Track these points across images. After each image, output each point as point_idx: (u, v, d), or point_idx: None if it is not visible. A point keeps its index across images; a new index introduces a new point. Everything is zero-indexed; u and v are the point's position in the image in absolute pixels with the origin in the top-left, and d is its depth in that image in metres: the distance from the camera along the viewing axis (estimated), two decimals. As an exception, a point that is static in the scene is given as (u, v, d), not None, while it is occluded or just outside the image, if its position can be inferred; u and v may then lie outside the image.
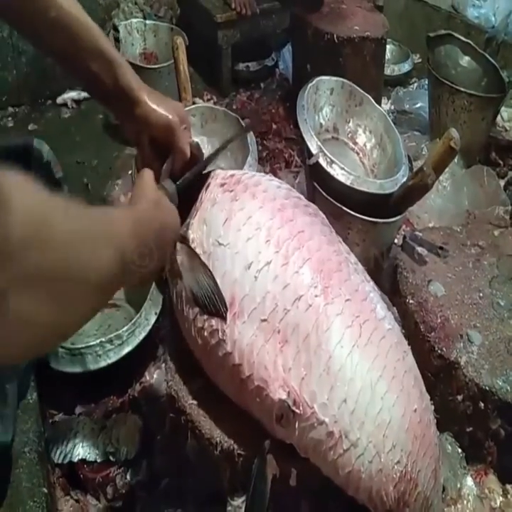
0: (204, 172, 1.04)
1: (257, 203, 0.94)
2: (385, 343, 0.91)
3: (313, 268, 0.90)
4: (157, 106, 0.97)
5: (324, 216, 1.06)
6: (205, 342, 0.91)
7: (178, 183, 0.95)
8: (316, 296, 0.88)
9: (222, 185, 0.98)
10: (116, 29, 2.64)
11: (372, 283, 1.01)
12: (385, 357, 0.89)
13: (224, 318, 0.87)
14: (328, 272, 0.91)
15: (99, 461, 1.36)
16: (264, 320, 0.87)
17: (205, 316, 0.90)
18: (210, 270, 0.90)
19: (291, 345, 0.86)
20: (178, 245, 0.94)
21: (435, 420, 0.96)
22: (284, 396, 0.84)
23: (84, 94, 2.68)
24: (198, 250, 0.92)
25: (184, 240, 0.94)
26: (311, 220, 0.99)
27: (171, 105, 0.99)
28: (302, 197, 1.05)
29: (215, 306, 0.88)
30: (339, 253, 0.98)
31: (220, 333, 0.88)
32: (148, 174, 0.90)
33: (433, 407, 0.96)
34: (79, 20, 0.96)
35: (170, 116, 0.97)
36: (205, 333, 0.90)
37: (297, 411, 0.84)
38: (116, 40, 2.51)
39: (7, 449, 1.02)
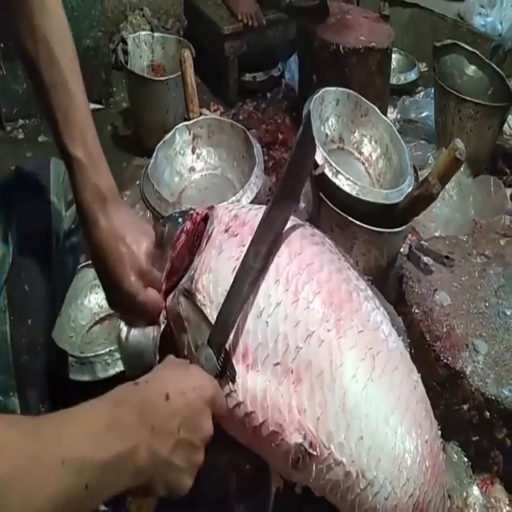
0: (202, 213, 0.99)
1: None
2: (398, 374, 0.89)
3: (324, 301, 0.88)
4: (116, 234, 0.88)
5: (331, 242, 1.03)
6: None
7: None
8: (328, 330, 0.86)
9: (227, 230, 0.93)
10: (124, 42, 2.67)
11: (382, 309, 0.98)
12: (398, 388, 0.88)
13: (233, 381, 0.83)
14: (339, 304, 0.89)
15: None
16: (277, 363, 0.84)
17: None
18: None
19: (305, 384, 0.83)
20: (182, 299, 0.88)
21: (442, 445, 0.95)
22: (300, 439, 0.82)
23: (92, 106, 2.72)
24: (205, 301, 0.87)
25: (188, 293, 0.88)
26: (319, 249, 0.96)
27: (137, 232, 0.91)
28: (308, 225, 1.02)
29: (220, 370, 0.82)
30: (349, 281, 0.95)
31: (230, 386, 0.84)
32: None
33: (440, 433, 0.95)
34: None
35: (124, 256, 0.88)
36: None
37: (314, 453, 0.82)
38: (125, 52, 2.54)
39: None
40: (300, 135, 0.88)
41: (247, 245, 0.86)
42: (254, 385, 0.83)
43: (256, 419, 0.83)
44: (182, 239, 0.95)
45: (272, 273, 0.88)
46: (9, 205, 1.03)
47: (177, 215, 1.00)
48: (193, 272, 0.90)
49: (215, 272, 0.88)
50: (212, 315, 0.85)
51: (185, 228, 0.96)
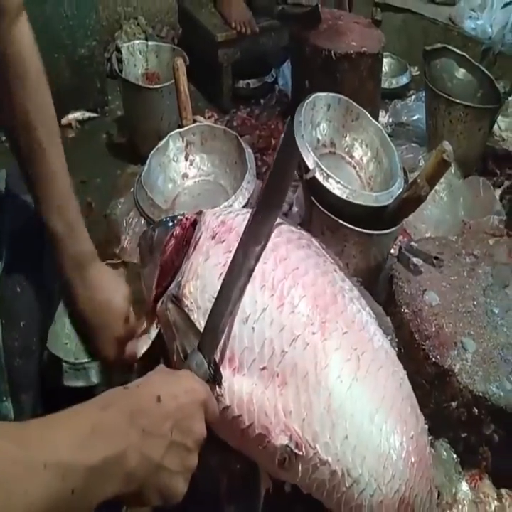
0: (191, 218, 1.01)
1: None
2: (383, 372, 0.91)
3: (309, 304, 0.89)
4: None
5: (318, 245, 1.05)
6: None
7: None
8: (313, 333, 0.87)
9: (214, 236, 0.94)
10: (119, 50, 2.70)
11: (367, 309, 1.00)
12: (383, 387, 0.89)
13: (219, 385, 0.83)
14: (324, 306, 0.90)
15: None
16: (264, 368, 0.86)
17: None
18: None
19: (291, 387, 0.85)
20: (170, 305, 0.90)
21: (430, 441, 0.97)
22: (286, 441, 0.83)
23: (88, 115, 2.76)
24: (193, 307, 0.89)
25: (176, 299, 0.89)
26: (305, 253, 0.98)
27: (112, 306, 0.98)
28: (294, 228, 1.04)
29: (207, 375, 0.82)
30: (334, 283, 0.96)
31: (217, 390, 0.85)
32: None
33: (427, 427, 0.96)
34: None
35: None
36: None
37: (300, 453, 0.84)
38: (119, 61, 2.57)
39: None
40: (282, 141, 0.91)
41: (233, 251, 0.87)
42: (240, 388, 0.85)
43: (243, 423, 0.85)
44: (171, 243, 0.98)
45: (258, 279, 0.89)
46: (0, 206, 1.02)
47: (166, 220, 1.02)
48: (180, 278, 0.91)
49: (201, 279, 0.90)
50: (199, 321, 0.87)
51: (174, 233, 0.98)
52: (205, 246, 0.93)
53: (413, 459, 0.88)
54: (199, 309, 0.88)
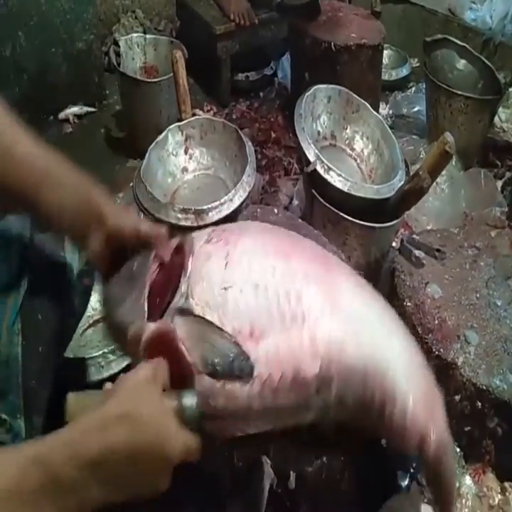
0: (176, 244, 0.97)
1: (250, 234, 0.95)
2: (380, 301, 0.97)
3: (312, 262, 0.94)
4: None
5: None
6: None
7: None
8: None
9: (209, 241, 0.94)
10: (116, 44, 2.69)
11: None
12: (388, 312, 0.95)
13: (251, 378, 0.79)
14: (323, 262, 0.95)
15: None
16: (283, 320, 0.84)
17: None
18: (223, 330, 0.82)
19: (308, 321, 0.85)
20: (178, 320, 0.83)
21: None
22: (317, 370, 0.82)
23: (86, 109, 2.74)
24: (206, 311, 0.84)
25: (185, 311, 0.84)
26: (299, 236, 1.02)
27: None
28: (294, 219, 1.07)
29: (240, 368, 0.79)
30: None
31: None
32: (147, 368, 0.72)
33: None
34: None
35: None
36: None
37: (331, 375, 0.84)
38: (117, 54, 2.56)
39: None
40: None
41: (230, 244, 0.88)
42: (266, 352, 0.82)
43: (273, 379, 0.82)
44: (155, 268, 0.94)
45: (261, 251, 0.91)
46: (25, 236, 1.03)
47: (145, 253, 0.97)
48: (185, 290, 0.87)
49: (207, 277, 0.88)
50: (215, 320, 0.84)
51: (157, 257, 0.94)
52: (203, 251, 0.91)
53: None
54: (212, 309, 0.85)
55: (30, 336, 0.98)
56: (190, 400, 0.72)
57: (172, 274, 0.92)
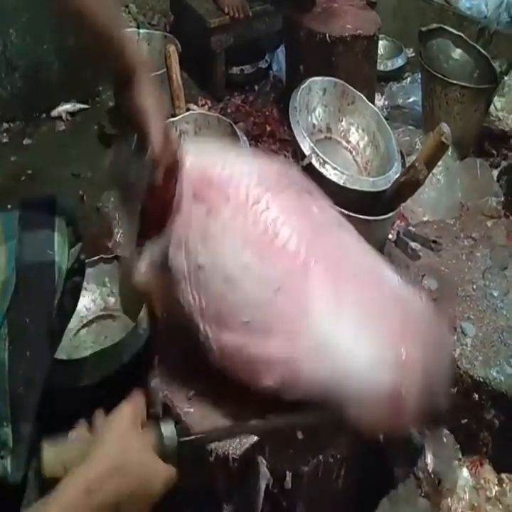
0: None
1: (229, 208, 0.94)
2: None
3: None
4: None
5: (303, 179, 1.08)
6: None
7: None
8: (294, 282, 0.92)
9: (195, 195, 0.96)
10: (110, 39, 2.66)
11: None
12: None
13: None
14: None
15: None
16: (247, 322, 0.90)
17: None
18: None
19: (277, 335, 0.90)
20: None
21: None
22: (271, 383, 0.89)
23: (78, 106, 2.72)
24: (179, 276, 0.94)
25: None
26: (287, 196, 1.00)
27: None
28: (278, 166, 1.05)
29: None
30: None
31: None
32: (128, 412, 0.76)
33: None
34: None
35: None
36: None
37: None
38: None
39: (19, 489, 1.00)
40: None
41: (213, 212, 0.93)
42: (226, 344, 0.92)
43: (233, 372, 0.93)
44: (151, 195, 0.97)
45: (238, 238, 0.94)
46: (13, 236, 1.02)
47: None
48: (166, 243, 0.96)
49: (186, 246, 0.94)
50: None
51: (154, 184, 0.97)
52: (186, 208, 0.95)
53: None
54: (185, 280, 0.94)
55: (17, 340, 0.97)
56: (168, 429, 0.75)
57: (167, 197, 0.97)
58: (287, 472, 0.93)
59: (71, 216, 1.12)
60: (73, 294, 1.15)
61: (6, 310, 0.96)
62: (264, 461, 0.92)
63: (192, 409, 1.01)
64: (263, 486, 0.88)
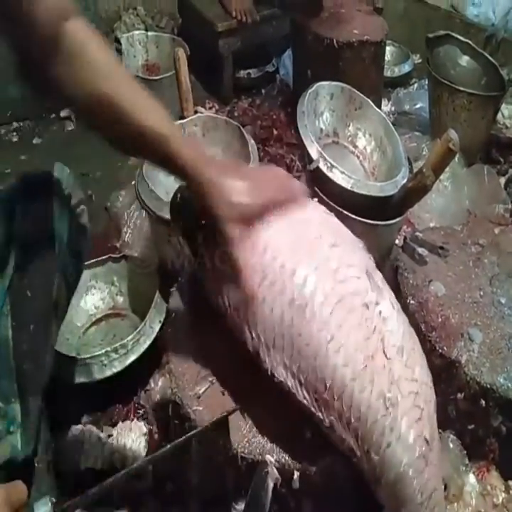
0: None
1: None
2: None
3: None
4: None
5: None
6: None
7: None
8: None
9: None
10: (118, 41, 2.68)
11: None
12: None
13: None
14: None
15: (105, 468, 1.38)
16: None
17: None
18: None
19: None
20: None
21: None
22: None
23: (88, 108, 2.72)
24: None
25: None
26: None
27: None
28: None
29: None
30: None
31: None
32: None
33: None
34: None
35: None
36: None
37: None
38: (119, 52, 2.55)
39: (29, 462, 0.99)
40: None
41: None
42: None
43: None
44: None
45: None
46: (12, 211, 1.02)
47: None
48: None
49: None
50: None
51: None
52: None
53: None
54: None
55: (21, 316, 0.96)
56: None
57: None
58: (295, 472, 0.93)
59: (69, 183, 1.11)
60: (76, 261, 1.14)
61: (7, 286, 0.95)
62: (272, 461, 0.92)
63: (200, 408, 1.01)
64: (271, 486, 0.88)
